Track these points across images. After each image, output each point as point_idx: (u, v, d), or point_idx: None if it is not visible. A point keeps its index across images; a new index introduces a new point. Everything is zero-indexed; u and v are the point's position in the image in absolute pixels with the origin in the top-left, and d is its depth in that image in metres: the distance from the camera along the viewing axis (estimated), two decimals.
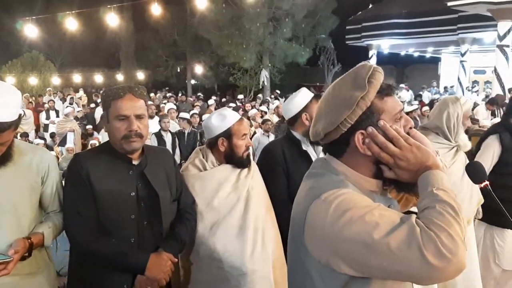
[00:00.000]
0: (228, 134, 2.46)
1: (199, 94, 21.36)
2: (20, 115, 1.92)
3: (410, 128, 1.31)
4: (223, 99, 19.80)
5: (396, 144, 1.24)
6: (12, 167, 1.96)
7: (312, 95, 2.83)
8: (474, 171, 1.32)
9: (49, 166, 2.12)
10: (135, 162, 2.13)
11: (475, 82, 22.76)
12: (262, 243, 2.40)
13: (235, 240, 2.34)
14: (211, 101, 14.91)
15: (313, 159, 2.72)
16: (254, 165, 2.61)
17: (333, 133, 1.29)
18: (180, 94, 21.08)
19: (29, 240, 1.97)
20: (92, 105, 15.31)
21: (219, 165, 2.49)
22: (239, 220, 2.38)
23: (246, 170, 2.53)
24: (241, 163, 2.48)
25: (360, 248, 1.12)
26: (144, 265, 2.00)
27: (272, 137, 8.31)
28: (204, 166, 2.48)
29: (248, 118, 10.34)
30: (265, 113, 11.35)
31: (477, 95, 18.25)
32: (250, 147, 2.53)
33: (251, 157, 2.60)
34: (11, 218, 1.97)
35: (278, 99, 15.95)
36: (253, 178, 2.54)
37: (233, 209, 2.40)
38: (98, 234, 2.01)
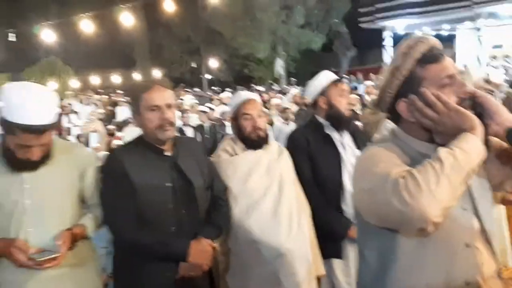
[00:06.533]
0: (235, 115, 2.57)
1: (214, 88, 21.46)
2: (58, 116, 2.02)
3: (464, 93, 1.33)
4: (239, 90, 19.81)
5: (434, 109, 1.29)
6: (53, 165, 2.06)
7: (332, 78, 2.82)
8: None
9: (87, 161, 2.21)
10: (167, 153, 2.19)
11: (493, 57, 22.32)
12: (298, 223, 2.45)
13: (270, 221, 2.40)
14: (223, 95, 14.78)
15: (337, 143, 2.77)
16: (284, 150, 2.67)
17: (382, 103, 1.41)
18: (197, 89, 21.23)
19: (72, 232, 2.06)
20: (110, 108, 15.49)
21: (248, 149, 2.56)
22: (273, 202, 2.44)
23: (276, 154, 2.59)
24: (250, 143, 2.54)
25: (360, 192, 1.33)
26: (186, 252, 2.07)
27: (292, 125, 8.34)
28: (235, 151, 2.55)
29: (266, 108, 10.35)
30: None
31: (497, 69, 17.95)
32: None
33: (271, 140, 2.65)
34: (55, 213, 2.06)
35: (296, 88, 15.90)
36: (284, 162, 2.60)
37: (267, 192, 2.46)
38: (139, 226, 2.08)
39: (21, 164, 1.99)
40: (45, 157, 2.03)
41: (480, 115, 1.30)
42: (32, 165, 2.00)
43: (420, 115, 1.32)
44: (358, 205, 1.39)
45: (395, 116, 1.42)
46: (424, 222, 1.17)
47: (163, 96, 2.12)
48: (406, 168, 1.25)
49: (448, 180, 1.16)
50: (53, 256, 1.93)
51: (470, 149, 1.21)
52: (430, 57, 1.34)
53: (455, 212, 1.29)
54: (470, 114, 1.27)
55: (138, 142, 2.22)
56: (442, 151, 1.21)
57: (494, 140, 1.38)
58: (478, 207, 1.36)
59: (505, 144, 1.36)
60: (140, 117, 2.14)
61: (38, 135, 1.91)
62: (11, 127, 1.88)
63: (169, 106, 2.12)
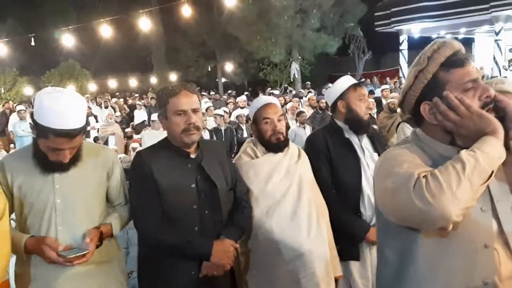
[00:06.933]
0: (254, 119, 2.63)
1: (230, 91, 21.57)
2: (87, 120, 2.11)
3: (488, 97, 1.35)
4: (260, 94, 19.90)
5: (457, 112, 1.32)
6: (81, 166, 2.15)
7: (351, 82, 2.86)
8: None
9: (113, 162, 2.30)
10: (192, 156, 2.26)
11: (511, 60, 22.07)
12: (317, 225, 2.50)
13: (290, 222, 2.46)
14: (239, 98, 14.64)
15: (356, 147, 2.80)
16: (303, 153, 2.72)
17: (405, 105, 1.46)
18: (213, 93, 21.39)
19: (99, 230, 2.15)
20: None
21: (268, 152, 2.62)
22: (293, 203, 2.50)
23: (296, 156, 2.64)
24: (270, 146, 2.59)
25: (382, 192, 1.38)
26: (209, 252, 2.13)
27: (308, 129, 8.39)
28: (256, 154, 2.61)
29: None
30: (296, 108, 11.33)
31: None
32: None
33: (291, 143, 2.70)
34: (84, 212, 2.16)
35: (311, 92, 15.92)
36: (303, 164, 2.65)
37: (286, 193, 2.51)
38: (165, 225, 2.16)
39: (52, 166, 2.08)
40: (75, 159, 2.12)
41: (502, 119, 1.33)
42: (63, 167, 2.09)
43: (443, 118, 1.35)
44: (380, 204, 1.43)
45: (417, 118, 1.45)
46: (445, 221, 1.22)
47: (190, 101, 2.19)
48: (429, 169, 1.29)
49: (469, 182, 1.21)
50: (82, 253, 2.01)
51: (492, 151, 1.25)
52: (454, 61, 1.37)
53: (475, 214, 1.33)
54: (492, 118, 1.30)
55: (164, 144, 2.30)
56: (464, 153, 1.25)
57: None
58: (498, 209, 1.38)
59: None
60: (167, 120, 2.22)
61: (70, 139, 1.99)
62: (44, 131, 1.97)
63: (195, 110, 2.20)
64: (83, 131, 2.05)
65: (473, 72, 1.37)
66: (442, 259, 1.35)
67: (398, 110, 6.27)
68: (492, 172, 1.25)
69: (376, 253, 1.62)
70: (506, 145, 1.31)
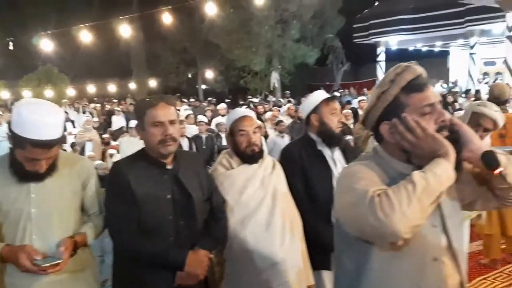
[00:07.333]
0: (230, 131, 2.69)
1: (210, 98, 21.59)
2: (64, 129, 2.14)
3: (443, 121, 1.44)
4: (241, 103, 19.94)
5: (413, 134, 1.41)
6: (57, 176, 2.17)
7: (324, 97, 2.95)
8: (489, 158, 1.45)
9: (89, 173, 2.32)
10: (169, 167, 2.30)
11: (485, 74, 22.67)
12: (291, 234, 2.57)
13: (264, 232, 2.51)
14: (219, 106, 14.63)
15: (328, 159, 2.89)
16: (277, 164, 2.78)
17: (367, 123, 1.55)
18: (193, 100, 21.35)
19: (73, 239, 2.16)
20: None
21: (244, 163, 2.68)
22: (267, 214, 2.56)
23: (270, 168, 2.71)
24: (245, 158, 2.65)
25: (341, 205, 1.46)
26: (183, 262, 2.17)
27: (286, 138, 8.47)
28: (231, 165, 2.67)
29: (261, 120, 10.45)
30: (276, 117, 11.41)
31: (488, 86, 18.25)
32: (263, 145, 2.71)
33: (265, 154, 2.76)
34: (59, 222, 2.17)
35: (290, 101, 16.07)
36: (278, 176, 2.71)
37: (261, 204, 2.57)
38: (140, 235, 2.18)
39: (28, 176, 2.10)
40: (51, 169, 2.14)
41: (455, 142, 1.42)
42: (39, 177, 2.11)
43: (400, 138, 1.44)
44: (339, 216, 1.52)
45: (377, 136, 1.54)
46: (395, 238, 1.30)
47: (167, 112, 2.22)
48: (383, 187, 1.37)
49: (419, 202, 1.29)
50: (56, 262, 2.03)
51: (442, 173, 1.33)
52: (414, 86, 1.46)
53: (425, 229, 1.41)
54: (445, 141, 1.40)
55: (141, 155, 2.33)
56: (416, 175, 1.33)
57: (467, 164, 1.51)
58: (447, 225, 1.48)
59: (476, 169, 1.51)
60: (144, 131, 2.25)
61: (47, 149, 2.02)
62: (21, 142, 1.98)
63: (172, 122, 2.23)
64: (60, 141, 2.07)
65: (431, 97, 1.45)
66: (394, 270, 1.43)
67: None
68: (442, 192, 1.34)
69: None
70: (458, 165, 1.40)
